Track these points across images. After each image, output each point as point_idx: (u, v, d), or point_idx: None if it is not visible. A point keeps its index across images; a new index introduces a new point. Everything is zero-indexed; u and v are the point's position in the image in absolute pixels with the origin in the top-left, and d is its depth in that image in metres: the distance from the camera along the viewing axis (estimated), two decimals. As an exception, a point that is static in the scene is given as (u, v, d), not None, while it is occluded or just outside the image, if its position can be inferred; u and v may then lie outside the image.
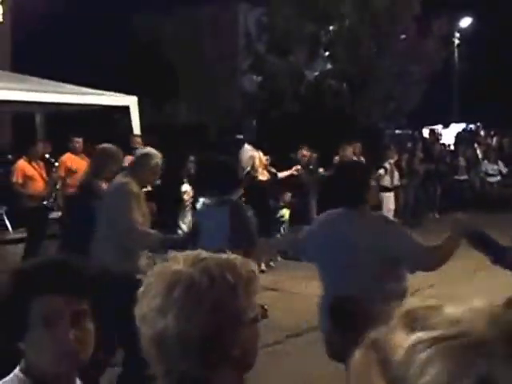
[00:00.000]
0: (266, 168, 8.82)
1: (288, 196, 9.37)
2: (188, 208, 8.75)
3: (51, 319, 1.30)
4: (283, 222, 9.15)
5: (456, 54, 24.53)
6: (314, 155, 10.53)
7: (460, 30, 24.48)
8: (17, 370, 1.35)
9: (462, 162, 14.07)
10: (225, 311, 1.06)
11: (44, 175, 8.47)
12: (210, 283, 1.06)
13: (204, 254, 1.13)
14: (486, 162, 14.03)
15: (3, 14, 15.03)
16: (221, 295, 1.06)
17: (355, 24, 16.02)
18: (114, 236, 4.12)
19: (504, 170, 13.82)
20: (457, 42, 23.87)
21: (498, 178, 13.74)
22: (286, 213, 9.19)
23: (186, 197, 8.77)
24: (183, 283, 1.06)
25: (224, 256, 1.13)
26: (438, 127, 21.32)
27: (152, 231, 4.30)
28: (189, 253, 1.13)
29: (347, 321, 2.53)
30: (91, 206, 4.48)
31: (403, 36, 16.56)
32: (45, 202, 8.29)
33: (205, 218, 4.22)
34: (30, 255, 7.53)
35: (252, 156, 8.83)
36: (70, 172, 8.67)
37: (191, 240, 4.12)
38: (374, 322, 0.74)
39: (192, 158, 9.15)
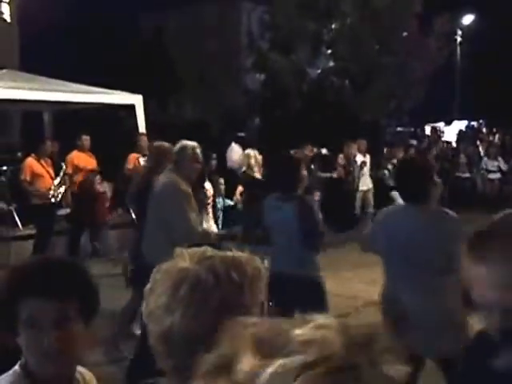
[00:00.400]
0: (260, 167, 8.90)
1: (317, 195, 9.50)
2: (209, 206, 8.78)
3: (35, 321, 1.32)
4: None
5: (458, 52, 24.55)
6: (319, 151, 10.56)
7: (462, 28, 24.49)
8: (17, 365, 1.39)
9: (463, 159, 14.09)
10: (230, 309, 1.06)
11: (52, 173, 8.60)
12: (216, 281, 1.07)
13: (210, 251, 1.14)
14: (485, 158, 14.01)
15: (11, 14, 15.21)
16: (226, 293, 1.07)
17: (357, 22, 16.11)
18: (165, 235, 4.09)
19: (504, 167, 13.81)
20: (459, 39, 23.88)
21: (498, 174, 13.72)
22: None
23: (208, 194, 8.80)
24: (189, 281, 1.07)
25: (230, 253, 1.14)
26: (440, 124, 21.38)
27: (209, 230, 4.40)
28: (195, 250, 1.15)
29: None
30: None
31: (405, 33, 16.61)
32: (52, 200, 8.42)
33: (272, 213, 4.24)
34: (39, 252, 7.70)
35: (248, 154, 8.84)
36: (77, 169, 8.83)
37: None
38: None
39: (214, 155, 9.08)
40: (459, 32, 23.89)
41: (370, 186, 10.82)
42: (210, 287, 1.06)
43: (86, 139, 8.97)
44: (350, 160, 10.67)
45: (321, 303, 3.98)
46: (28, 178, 8.27)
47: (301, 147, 10.09)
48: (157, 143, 5.16)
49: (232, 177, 9.34)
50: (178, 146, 4.50)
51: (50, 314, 1.32)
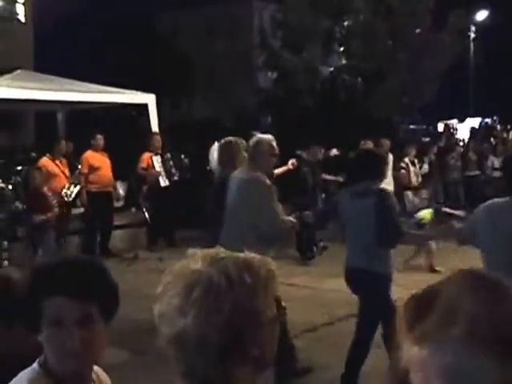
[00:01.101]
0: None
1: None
2: None
3: (58, 320, 1.34)
4: None
5: (472, 48, 24.36)
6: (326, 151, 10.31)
7: (476, 24, 24.28)
8: (36, 363, 1.40)
9: (472, 157, 13.86)
10: (243, 312, 1.06)
11: (67, 172, 8.65)
12: (229, 284, 1.06)
13: (223, 252, 1.13)
14: (492, 156, 13.76)
15: (25, 15, 15.35)
16: (239, 296, 1.06)
17: (370, 19, 16.05)
18: (252, 231, 4.07)
19: None
20: (472, 35, 23.66)
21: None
22: None
23: None
24: (202, 284, 1.06)
25: (242, 255, 1.13)
26: (454, 122, 21.22)
27: (291, 219, 4.31)
28: (207, 251, 1.14)
29: None
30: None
31: (418, 30, 16.52)
32: (66, 199, 8.48)
33: (349, 205, 4.17)
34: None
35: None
36: (93, 169, 8.89)
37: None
38: None
39: None
40: (473, 28, 23.67)
41: (391, 187, 10.67)
42: (223, 290, 1.06)
43: (100, 138, 9.02)
44: None
45: (383, 299, 3.96)
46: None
47: (309, 148, 9.69)
48: (226, 140, 5.08)
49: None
50: (253, 140, 4.47)
51: (74, 313, 1.33)
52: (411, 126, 19.46)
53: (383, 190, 4.22)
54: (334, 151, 11.11)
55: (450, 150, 13.59)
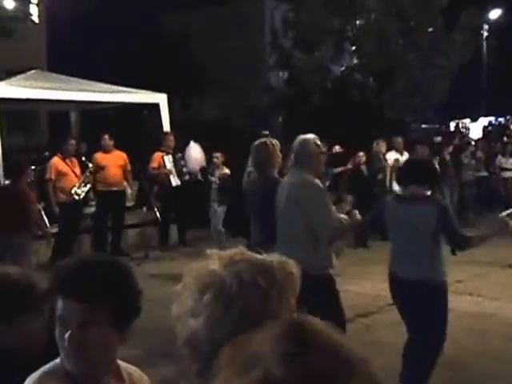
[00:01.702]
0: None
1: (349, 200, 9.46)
2: None
3: (62, 320, 1.35)
4: None
5: (484, 47, 24.18)
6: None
7: (489, 22, 24.09)
8: (58, 359, 1.42)
9: (481, 157, 13.64)
10: (255, 317, 1.02)
11: (77, 172, 8.71)
12: (240, 288, 1.04)
13: (241, 253, 1.11)
14: (500, 156, 13.55)
15: (39, 15, 15.49)
16: (250, 300, 1.04)
17: (381, 18, 15.99)
18: (307, 235, 4.00)
19: None
20: (485, 34, 23.49)
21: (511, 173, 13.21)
22: None
23: None
24: (214, 287, 1.05)
25: (261, 257, 1.10)
26: (466, 121, 21.07)
27: (342, 218, 4.14)
28: (227, 252, 1.11)
29: None
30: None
31: (430, 28, 16.44)
32: (76, 197, 8.53)
33: (399, 211, 3.94)
34: (59, 250, 7.84)
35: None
36: (100, 168, 8.95)
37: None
38: None
39: None
40: (486, 26, 23.49)
41: None
42: (234, 294, 1.04)
43: (106, 138, 9.05)
44: (379, 159, 10.45)
45: (442, 309, 3.83)
46: (53, 177, 8.39)
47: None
48: (263, 141, 4.87)
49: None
50: (299, 141, 4.29)
51: (74, 316, 1.34)
52: (423, 126, 19.36)
53: (438, 196, 4.06)
54: (337, 148, 11.01)
55: (463, 149, 13.46)
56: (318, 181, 4.13)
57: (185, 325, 1.07)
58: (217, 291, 1.05)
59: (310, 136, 4.32)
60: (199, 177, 9.47)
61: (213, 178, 8.93)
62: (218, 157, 8.90)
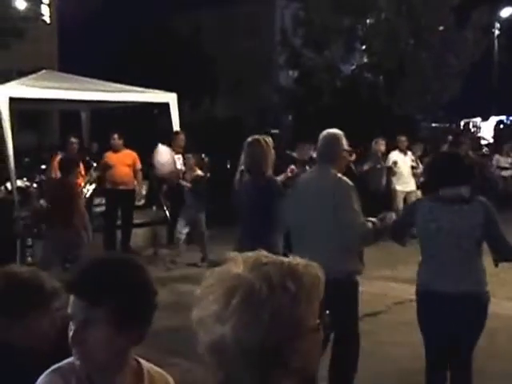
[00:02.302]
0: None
1: None
2: None
3: (71, 318, 1.38)
4: None
5: (496, 45, 24.03)
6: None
7: (500, 21, 23.93)
8: (71, 357, 1.42)
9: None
10: (285, 321, 1.01)
11: (82, 171, 8.70)
12: (270, 292, 1.02)
13: (266, 256, 1.09)
14: (497, 155, 13.46)
15: (50, 16, 15.59)
16: (281, 305, 1.02)
17: (392, 16, 15.95)
18: (339, 236, 3.69)
19: None
20: (497, 32, 23.33)
21: (510, 172, 13.11)
22: None
23: None
24: (242, 291, 1.02)
25: (286, 260, 1.09)
26: (477, 120, 20.95)
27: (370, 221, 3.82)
28: (249, 254, 1.09)
29: None
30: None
31: (441, 27, 16.36)
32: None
33: (442, 213, 3.43)
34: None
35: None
36: (108, 167, 8.98)
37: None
38: None
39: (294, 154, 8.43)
40: (497, 25, 23.34)
41: (413, 187, 10.24)
42: (264, 298, 1.01)
43: (115, 138, 9.08)
44: (377, 157, 10.38)
45: (482, 325, 3.46)
46: (57, 176, 8.39)
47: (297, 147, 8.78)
48: (255, 138, 4.56)
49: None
50: (325, 136, 4.01)
51: (79, 313, 1.35)
52: (433, 124, 19.26)
53: (483, 199, 3.49)
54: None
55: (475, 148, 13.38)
56: (346, 178, 3.85)
57: (209, 330, 1.03)
58: (245, 295, 1.02)
59: (337, 131, 4.04)
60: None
61: (184, 183, 8.39)
62: (188, 158, 8.37)
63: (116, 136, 9.10)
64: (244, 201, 4.61)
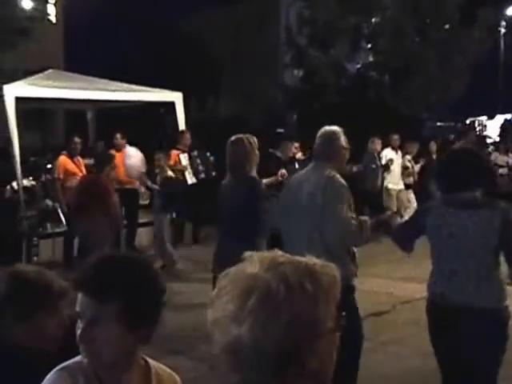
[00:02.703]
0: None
1: None
2: None
3: (79, 316, 1.38)
4: None
5: (502, 44, 23.93)
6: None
7: (506, 19, 23.82)
8: (79, 356, 1.43)
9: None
10: (302, 322, 1.00)
11: (83, 170, 8.70)
12: (288, 292, 1.00)
13: (282, 255, 1.08)
14: (496, 153, 13.43)
15: (56, 15, 15.63)
16: (298, 305, 1.00)
17: (398, 15, 15.92)
18: (322, 240, 3.52)
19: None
20: (503, 31, 23.23)
21: (506, 170, 13.08)
22: None
23: None
24: (259, 291, 1.01)
25: (303, 260, 1.07)
26: (483, 119, 20.87)
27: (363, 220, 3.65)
28: (265, 254, 1.08)
29: None
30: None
31: (447, 26, 16.32)
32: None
33: (455, 218, 3.10)
34: (68, 249, 7.94)
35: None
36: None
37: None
38: None
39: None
40: (503, 23, 23.24)
41: (402, 186, 10.46)
42: (281, 298, 1.00)
43: (118, 137, 9.08)
44: (373, 156, 10.32)
45: (504, 343, 3.05)
46: (61, 176, 8.41)
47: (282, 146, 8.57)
48: (238, 137, 4.43)
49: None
50: (323, 133, 3.83)
51: (86, 311, 1.35)
52: (438, 123, 19.20)
53: (501, 203, 3.14)
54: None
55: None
56: (341, 178, 3.70)
57: (224, 331, 1.02)
58: (262, 295, 1.00)
59: (337, 128, 3.85)
60: (137, 186, 8.87)
61: (155, 186, 8.17)
62: (159, 158, 8.09)
63: (119, 135, 9.11)
64: (224, 202, 4.42)
